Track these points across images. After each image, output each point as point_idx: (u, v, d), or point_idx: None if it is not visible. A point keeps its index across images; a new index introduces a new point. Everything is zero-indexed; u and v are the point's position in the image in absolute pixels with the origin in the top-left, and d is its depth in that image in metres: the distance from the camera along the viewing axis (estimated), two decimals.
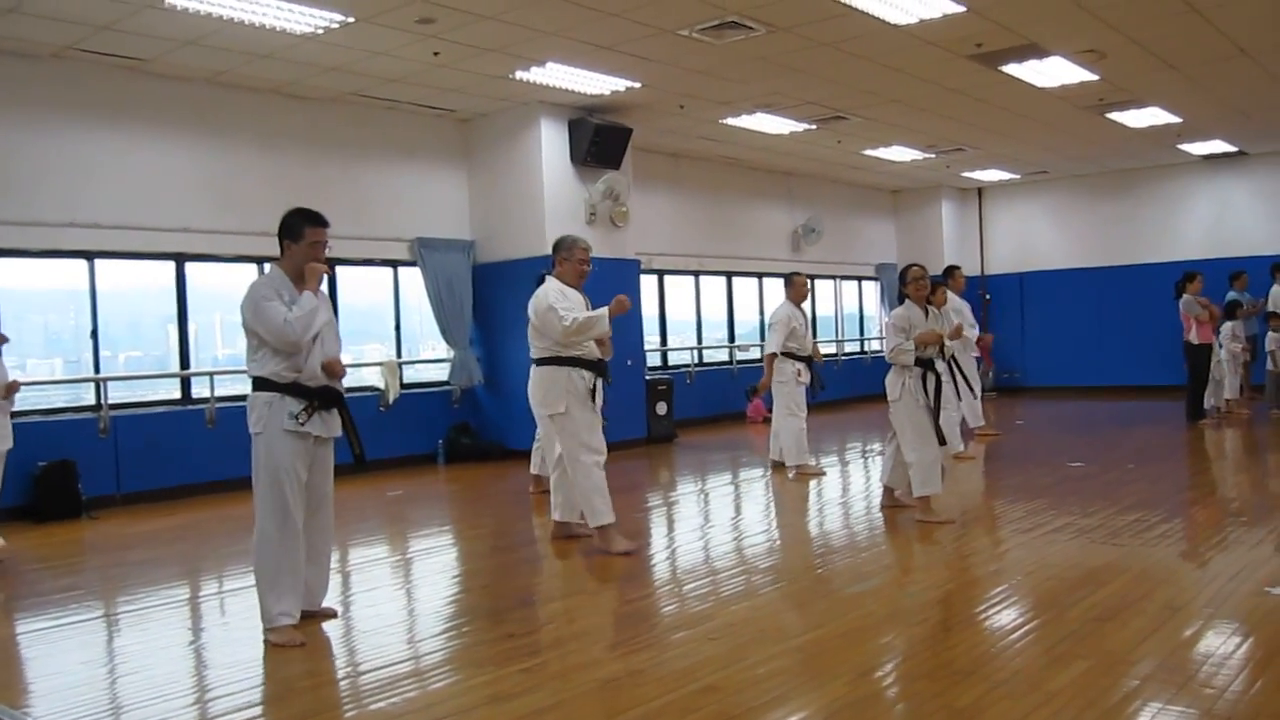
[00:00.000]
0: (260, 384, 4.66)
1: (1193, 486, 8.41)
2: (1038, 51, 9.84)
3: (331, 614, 5.00)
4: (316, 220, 4.78)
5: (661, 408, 12.54)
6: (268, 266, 10.26)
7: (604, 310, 6.11)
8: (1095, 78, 10.85)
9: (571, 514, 6.54)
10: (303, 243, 4.74)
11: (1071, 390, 17.49)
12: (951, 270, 11.58)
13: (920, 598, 5.10)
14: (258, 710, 3.79)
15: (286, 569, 4.62)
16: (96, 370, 9.14)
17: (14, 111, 8.61)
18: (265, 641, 4.58)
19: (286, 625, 4.59)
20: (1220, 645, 4.07)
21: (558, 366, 6.17)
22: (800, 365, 9.09)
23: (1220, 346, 12.32)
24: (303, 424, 4.64)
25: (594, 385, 6.24)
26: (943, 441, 6.92)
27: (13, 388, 6.88)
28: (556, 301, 6.10)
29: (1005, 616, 4.73)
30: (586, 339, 6.15)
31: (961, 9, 8.47)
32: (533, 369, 6.34)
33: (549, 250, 11.00)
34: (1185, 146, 15.37)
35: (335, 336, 4.90)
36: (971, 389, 10.09)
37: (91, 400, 9.12)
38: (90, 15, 7.83)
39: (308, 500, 4.76)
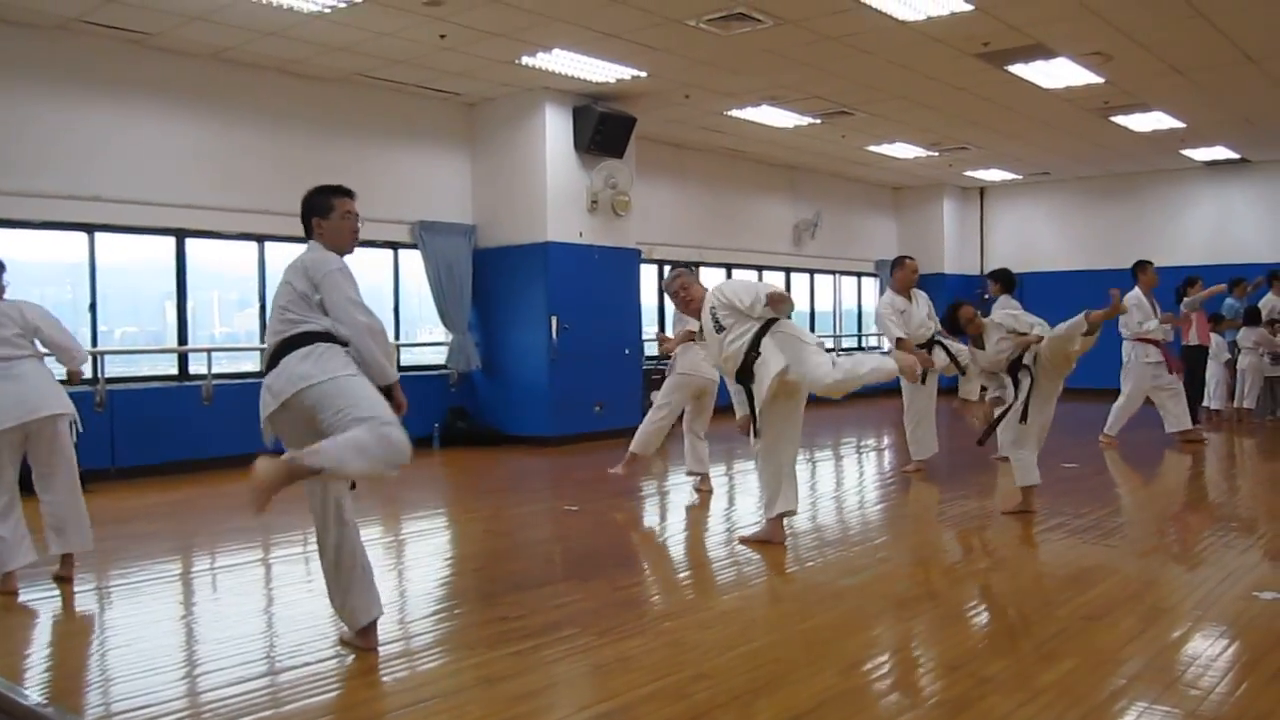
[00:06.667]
0: (311, 337, 4.06)
1: (1185, 491, 8.44)
2: (1044, 52, 9.83)
3: None
4: (342, 191, 4.39)
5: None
6: (271, 245, 10.36)
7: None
8: (1101, 80, 10.84)
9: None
10: (334, 215, 4.30)
11: (1069, 392, 17.43)
12: (1144, 265, 10.79)
13: (911, 592, 5.12)
14: (248, 685, 3.80)
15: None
16: (94, 344, 9.13)
17: (17, 82, 8.59)
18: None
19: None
20: (1207, 648, 4.09)
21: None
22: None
23: (1241, 353, 12.41)
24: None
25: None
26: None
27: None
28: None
29: (995, 612, 4.76)
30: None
31: (969, 7, 8.47)
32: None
33: (550, 237, 11.21)
34: (1188, 152, 15.37)
35: None
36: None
37: (88, 374, 9.11)
38: None
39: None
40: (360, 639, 4.17)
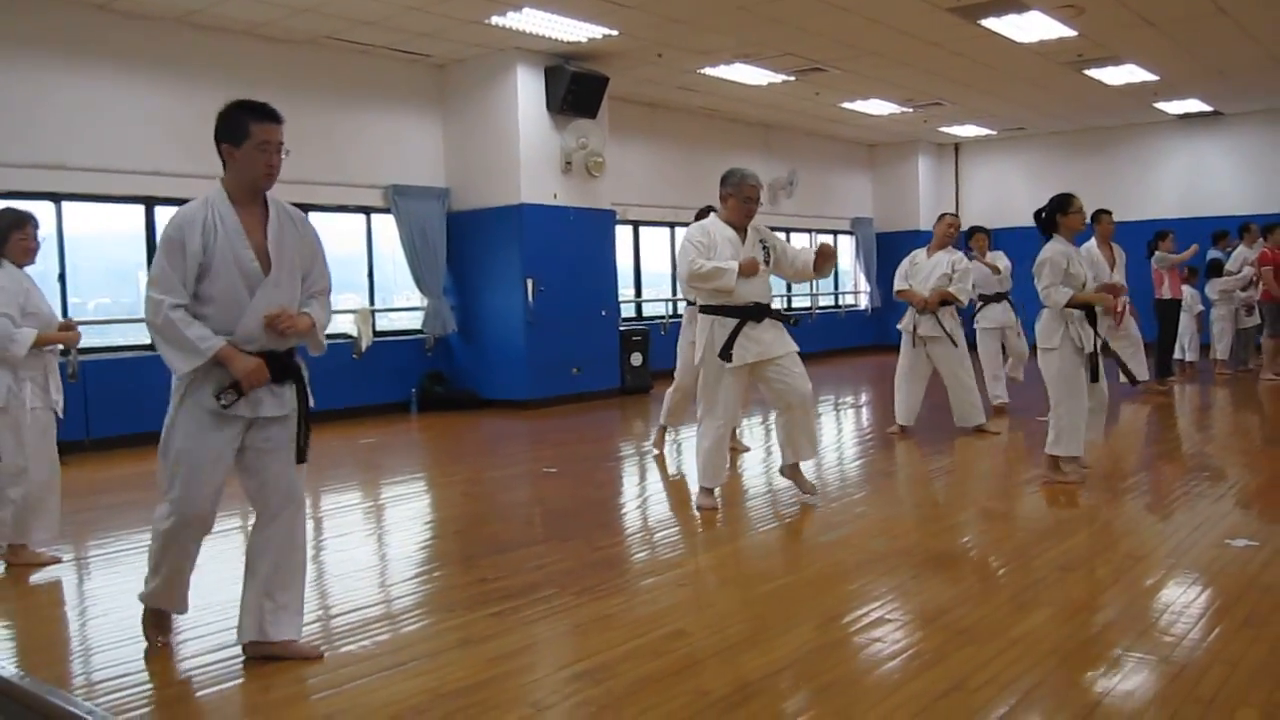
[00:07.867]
0: None
1: (1158, 442, 8.52)
2: (1017, 5, 9.79)
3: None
4: (265, 113, 3.51)
5: (636, 358, 12.55)
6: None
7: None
8: (1074, 33, 10.81)
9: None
10: (248, 144, 3.47)
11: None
12: (1097, 214, 10.12)
13: (888, 546, 5.16)
14: (228, 651, 3.80)
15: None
16: (64, 315, 9.00)
17: None
18: None
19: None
20: (1180, 595, 4.15)
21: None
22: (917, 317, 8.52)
23: (1212, 305, 12.54)
24: (225, 405, 3.51)
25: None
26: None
27: (69, 334, 5.76)
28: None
29: (971, 565, 4.80)
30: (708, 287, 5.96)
31: None
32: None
33: (524, 199, 11.15)
34: (1161, 105, 15.39)
35: (292, 281, 3.85)
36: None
37: (60, 345, 9.01)
38: None
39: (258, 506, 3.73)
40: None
